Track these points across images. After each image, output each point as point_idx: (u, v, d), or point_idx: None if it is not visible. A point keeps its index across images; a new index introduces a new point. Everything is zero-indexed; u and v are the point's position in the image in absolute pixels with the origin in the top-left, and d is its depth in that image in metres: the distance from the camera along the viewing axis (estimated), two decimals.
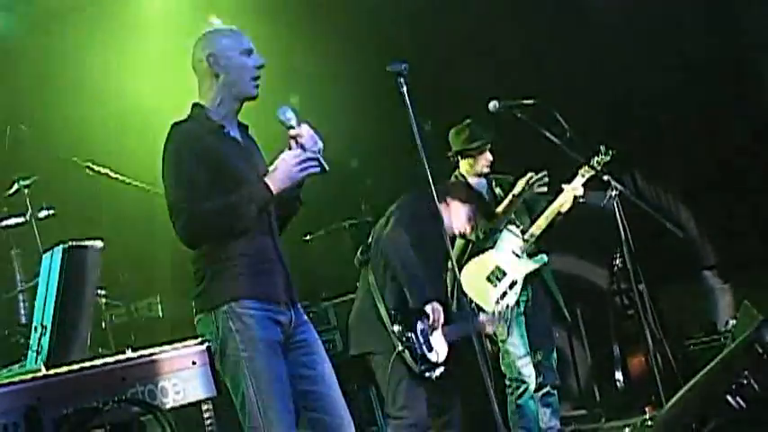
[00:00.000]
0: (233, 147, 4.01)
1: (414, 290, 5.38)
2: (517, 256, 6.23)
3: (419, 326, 5.39)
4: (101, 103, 7.06)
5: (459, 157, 6.45)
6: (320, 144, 3.99)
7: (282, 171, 3.89)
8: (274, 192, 3.87)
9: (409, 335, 5.34)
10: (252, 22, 7.20)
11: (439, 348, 5.46)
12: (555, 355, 6.37)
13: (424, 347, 5.37)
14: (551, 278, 6.43)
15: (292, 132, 3.99)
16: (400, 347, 5.30)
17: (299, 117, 4.03)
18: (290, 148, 3.99)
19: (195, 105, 4.06)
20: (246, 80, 4.00)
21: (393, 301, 5.43)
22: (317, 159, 3.96)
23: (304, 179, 3.99)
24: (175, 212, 3.85)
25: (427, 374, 5.36)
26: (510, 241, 6.28)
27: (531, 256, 6.27)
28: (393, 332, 5.34)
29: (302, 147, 3.96)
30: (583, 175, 6.18)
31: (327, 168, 4.00)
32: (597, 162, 6.04)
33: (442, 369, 5.44)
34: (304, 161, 3.91)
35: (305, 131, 3.99)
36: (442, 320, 5.45)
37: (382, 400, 6.28)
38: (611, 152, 6.07)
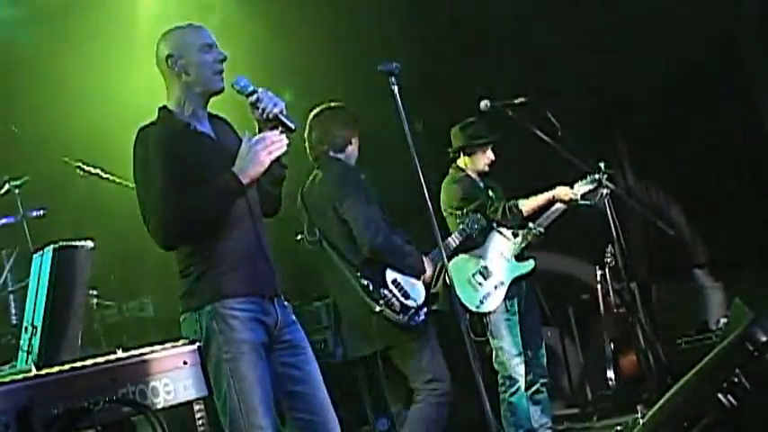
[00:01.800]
0: (202, 142, 3.98)
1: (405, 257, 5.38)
2: (506, 258, 6.24)
3: (389, 276, 5.33)
4: (92, 104, 7.04)
5: (461, 154, 6.47)
6: (281, 104, 3.96)
7: (250, 159, 3.84)
8: (244, 182, 3.84)
9: (383, 292, 5.26)
10: (244, 20, 7.21)
11: (416, 291, 5.40)
12: (544, 351, 6.39)
13: (401, 297, 5.29)
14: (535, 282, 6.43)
15: (251, 99, 3.96)
16: (378, 309, 5.19)
17: (254, 84, 3.99)
18: (259, 131, 3.98)
19: (161, 109, 4.04)
20: (208, 76, 3.97)
21: (357, 264, 5.34)
22: (284, 123, 3.93)
23: (281, 163, 4.00)
24: (147, 216, 3.85)
25: (413, 322, 5.28)
26: (499, 243, 6.29)
27: (518, 259, 6.28)
28: (367, 295, 5.24)
29: (263, 111, 3.93)
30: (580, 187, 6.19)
31: (294, 127, 3.97)
32: (594, 179, 6.03)
33: (425, 311, 5.37)
34: (270, 145, 3.86)
35: (263, 95, 3.96)
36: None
37: (375, 399, 6.28)
38: (608, 170, 6.07)
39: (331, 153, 5.50)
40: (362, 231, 5.25)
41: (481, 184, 6.47)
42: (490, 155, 6.44)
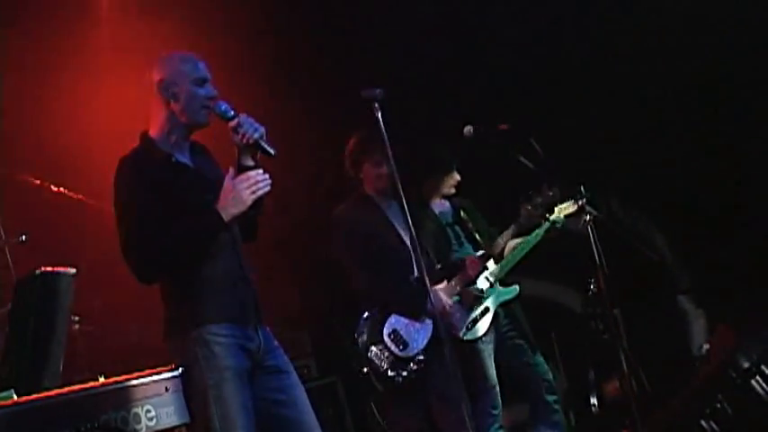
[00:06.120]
0: (182, 175, 3.99)
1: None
2: (491, 284, 6.14)
3: (386, 330, 5.40)
4: (72, 128, 7.02)
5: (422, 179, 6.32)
6: (261, 129, 3.97)
7: (233, 197, 3.86)
8: (226, 220, 3.85)
9: (373, 350, 5.36)
10: (225, 37, 7.20)
11: (415, 336, 5.44)
12: (541, 361, 6.26)
13: (395, 349, 5.36)
14: (519, 308, 6.35)
15: (232, 124, 3.97)
16: (365, 370, 5.32)
17: (236, 109, 4.01)
18: (237, 156, 4.00)
19: (143, 135, 4.04)
20: (196, 109, 3.98)
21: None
22: (263, 148, 3.96)
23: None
24: (126, 250, 3.84)
25: (403, 375, 5.35)
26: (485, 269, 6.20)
27: (503, 285, 6.22)
28: (354, 353, 5.38)
29: (243, 136, 3.93)
30: (560, 212, 6.12)
31: (274, 152, 3.99)
32: (573, 204, 5.93)
33: (420, 359, 5.39)
34: (254, 184, 3.88)
35: (244, 120, 3.97)
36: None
37: (355, 423, 6.28)
38: (587, 194, 6.01)
39: None
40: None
41: (446, 210, 6.36)
42: (455, 176, 6.29)
